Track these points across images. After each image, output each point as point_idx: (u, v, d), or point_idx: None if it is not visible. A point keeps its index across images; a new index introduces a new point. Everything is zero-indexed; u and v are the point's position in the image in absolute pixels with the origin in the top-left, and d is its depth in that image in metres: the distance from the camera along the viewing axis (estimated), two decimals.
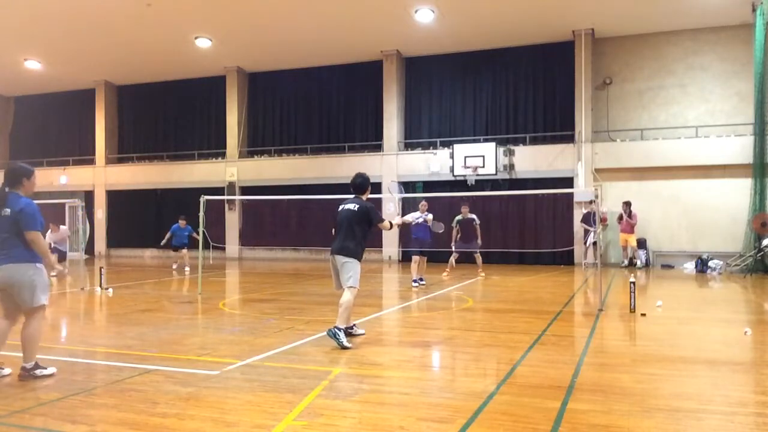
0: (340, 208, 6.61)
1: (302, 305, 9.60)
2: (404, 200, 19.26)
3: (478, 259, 14.15)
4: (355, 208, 6.49)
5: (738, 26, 16.87)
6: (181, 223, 16.70)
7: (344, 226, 6.46)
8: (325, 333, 6.38)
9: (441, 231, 10.36)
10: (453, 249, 13.80)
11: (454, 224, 13.66)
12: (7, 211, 4.96)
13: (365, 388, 4.72)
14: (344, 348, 6.03)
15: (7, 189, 5.08)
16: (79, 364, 5.58)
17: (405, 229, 12.34)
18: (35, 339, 5.04)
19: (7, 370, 5.15)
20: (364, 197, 6.69)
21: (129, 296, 10.78)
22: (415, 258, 12.19)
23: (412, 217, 11.87)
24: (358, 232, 6.47)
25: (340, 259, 6.41)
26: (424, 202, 12.18)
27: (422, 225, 11.81)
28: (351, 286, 6.35)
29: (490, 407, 4.25)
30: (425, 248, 12.25)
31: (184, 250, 16.53)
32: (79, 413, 4.16)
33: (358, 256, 6.47)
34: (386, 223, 6.68)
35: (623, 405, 4.29)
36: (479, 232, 13.77)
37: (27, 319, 5.09)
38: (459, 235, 13.70)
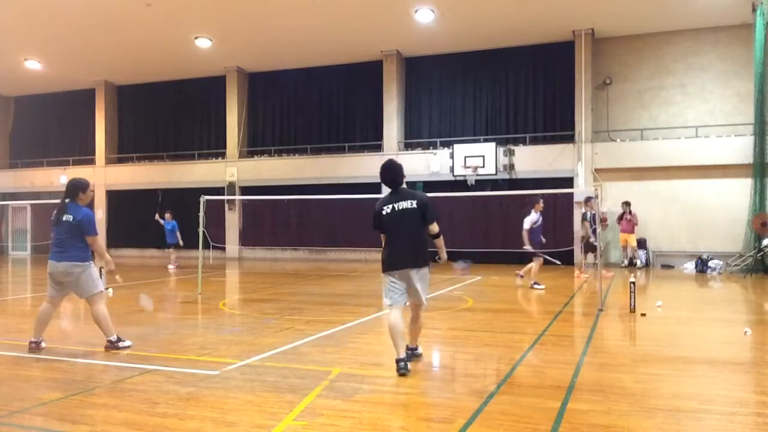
0: (390, 208, 5.23)
1: (302, 305, 9.59)
2: None
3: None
4: (414, 204, 5.21)
5: (738, 26, 16.87)
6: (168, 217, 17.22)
7: (410, 229, 5.21)
8: (324, 333, 6.35)
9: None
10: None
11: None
12: (69, 217, 5.94)
13: (365, 388, 4.71)
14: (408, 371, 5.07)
15: (67, 200, 6.06)
16: (79, 364, 5.57)
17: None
18: (104, 317, 6.06)
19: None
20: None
21: (129, 296, 10.77)
22: (537, 259, 11.78)
23: (531, 221, 11.55)
24: (423, 232, 5.31)
25: (417, 272, 5.21)
26: (541, 202, 11.69)
27: (538, 228, 11.58)
28: (425, 302, 5.37)
29: (490, 407, 4.25)
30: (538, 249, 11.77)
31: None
32: (79, 413, 4.16)
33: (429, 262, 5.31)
34: (435, 226, 5.36)
35: (623, 405, 4.29)
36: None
37: (90, 305, 6.06)
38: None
